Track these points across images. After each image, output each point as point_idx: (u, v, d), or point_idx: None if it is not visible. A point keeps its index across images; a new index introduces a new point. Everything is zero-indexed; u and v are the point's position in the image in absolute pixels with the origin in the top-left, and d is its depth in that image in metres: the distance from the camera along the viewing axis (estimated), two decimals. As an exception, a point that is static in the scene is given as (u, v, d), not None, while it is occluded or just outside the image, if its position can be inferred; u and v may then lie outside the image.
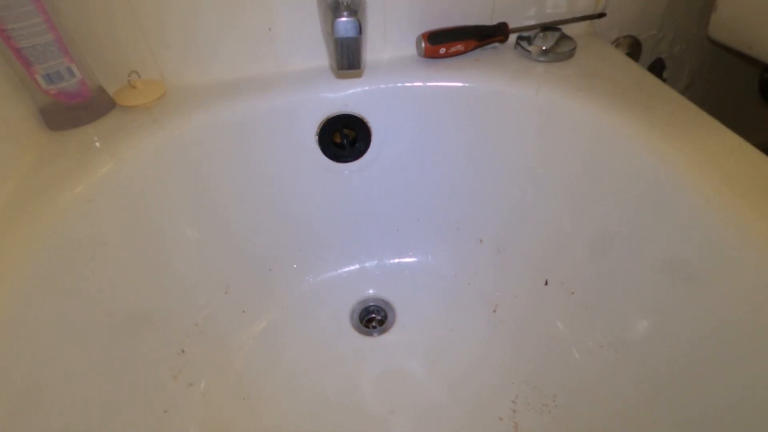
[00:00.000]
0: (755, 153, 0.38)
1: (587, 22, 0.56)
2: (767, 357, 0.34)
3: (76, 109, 0.45)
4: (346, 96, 0.51)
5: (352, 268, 0.64)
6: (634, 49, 0.59)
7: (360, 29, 0.38)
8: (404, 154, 0.57)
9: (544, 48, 0.51)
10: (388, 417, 0.50)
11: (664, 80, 0.60)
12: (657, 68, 0.59)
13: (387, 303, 0.62)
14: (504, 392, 0.51)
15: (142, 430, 0.42)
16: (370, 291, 0.62)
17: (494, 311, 0.58)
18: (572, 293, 0.52)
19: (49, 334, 0.35)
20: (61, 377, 0.36)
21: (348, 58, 0.39)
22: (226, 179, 0.51)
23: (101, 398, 0.39)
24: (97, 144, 0.44)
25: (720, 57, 0.65)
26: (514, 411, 0.49)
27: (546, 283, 0.55)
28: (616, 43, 0.58)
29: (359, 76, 0.49)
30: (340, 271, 0.63)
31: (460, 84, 0.51)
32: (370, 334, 0.59)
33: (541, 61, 0.52)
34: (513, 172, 0.54)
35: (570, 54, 0.51)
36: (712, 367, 0.38)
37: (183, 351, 0.50)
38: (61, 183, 0.39)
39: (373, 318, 0.61)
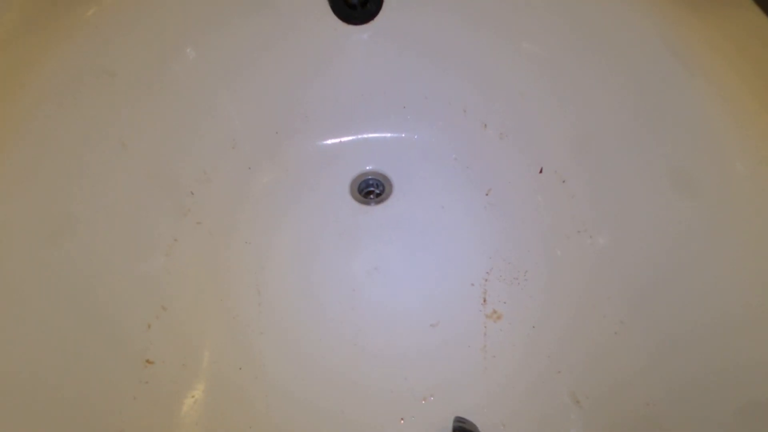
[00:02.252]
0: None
1: None
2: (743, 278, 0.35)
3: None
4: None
5: (355, 139, 0.65)
6: None
7: None
8: (418, 25, 0.55)
9: None
10: (372, 271, 0.56)
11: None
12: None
13: (386, 177, 0.64)
14: (480, 263, 0.55)
15: (153, 252, 0.49)
16: (371, 164, 0.65)
17: (487, 194, 0.61)
18: (563, 182, 0.54)
19: (66, 150, 0.39)
20: (80, 195, 0.41)
21: None
22: (234, 28, 0.51)
23: (114, 222, 0.45)
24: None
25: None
26: (486, 280, 0.54)
27: (540, 171, 0.56)
28: None
29: None
30: (344, 141, 0.65)
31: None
32: (367, 204, 0.62)
33: None
34: (521, 55, 0.52)
35: None
36: (688, 281, 0.40)
37: (192, 193, 0.55)
38: (69, 8, 0.40)
39: (371, 191, 0.64)
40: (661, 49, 0.40)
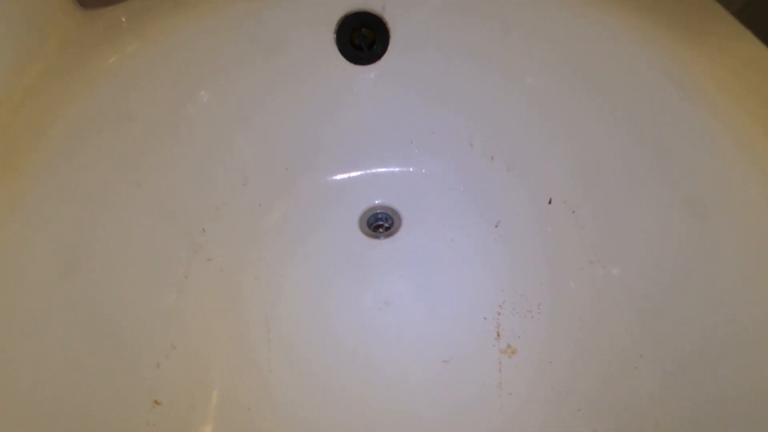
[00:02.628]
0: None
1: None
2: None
3: (106, -12, 0.47)
4: (366, -7, 0.50)
5: (364, 174, 0.66)
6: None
7: None
8: (422, 64, 0.57)
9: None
10: (382, 306, 0.55)
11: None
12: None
13: (395, 211, 0.65)
14: (492, 297, 0.54)
15: (164, 289, 0.49)
16: (380, 198, 0.65)
17: (496, 226, 0.60)
18: (573, 212, 0.53)
19: (84, 190, 0.40)
20: (94, 233, 0.42)
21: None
22: (247, 71, 0.53)
23: (126, 259, 0.45)
24: (124, 22, 0.46)
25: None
26: (499, 314, 0.53)
27: (549, 202, 0.56)
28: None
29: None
30: (352, 177, 0.66)
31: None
32: (376, 237, 0.62)
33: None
34: (525, 89, 0.53)
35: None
36: (707, 308, 0.39)
37: (203, 230, 0.55)
38: (92, 56, 0.42)
39: (381, 225, 0.65)
40: (664, 81, 0.40)
